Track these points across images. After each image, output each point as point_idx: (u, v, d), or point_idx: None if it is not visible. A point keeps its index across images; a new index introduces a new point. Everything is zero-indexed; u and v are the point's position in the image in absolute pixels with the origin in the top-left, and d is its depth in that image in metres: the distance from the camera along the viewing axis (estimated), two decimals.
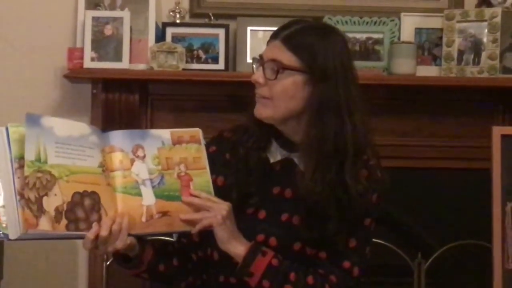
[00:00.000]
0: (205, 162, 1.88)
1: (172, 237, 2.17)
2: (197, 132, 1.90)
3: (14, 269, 3.15)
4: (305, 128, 1.91)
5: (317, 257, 1.94)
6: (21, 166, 1.65)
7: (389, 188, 1.99)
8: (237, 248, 1.87)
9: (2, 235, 1.66)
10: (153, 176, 1.82)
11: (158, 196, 1.81)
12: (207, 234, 1.87)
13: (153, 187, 1.81)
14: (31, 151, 1.66)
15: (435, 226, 3.23)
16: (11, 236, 1.65)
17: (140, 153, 1.82)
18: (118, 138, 1.83)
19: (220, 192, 1.88)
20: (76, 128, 1.78)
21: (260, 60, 1.94)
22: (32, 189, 1.64)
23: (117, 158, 1.80)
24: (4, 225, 1.66)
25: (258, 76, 1.93)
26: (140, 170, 1.81)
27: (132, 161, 1.81)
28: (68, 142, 1.73)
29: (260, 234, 1.93)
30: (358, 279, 1.95)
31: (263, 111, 1.93)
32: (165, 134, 1.87)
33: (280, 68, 1.89)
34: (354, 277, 1.94)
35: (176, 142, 1.87)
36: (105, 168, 1.78)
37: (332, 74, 1.89)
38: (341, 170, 1.88)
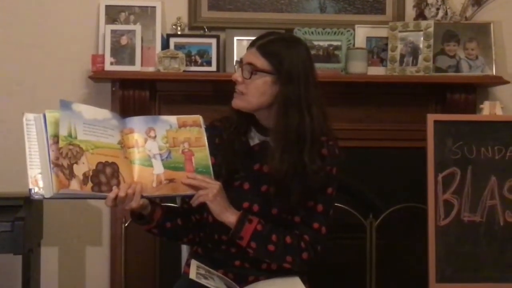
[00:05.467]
0: (204, 141, 1.87)
1: (176, 203, 2.17)
2: (198, 118, 1.90)
3: (51, 230, 3.16)
4: (274, 118, 1.92)
5: (292, 220, 1.96)
6: (55, 143, 1.67)
7: (345, 162, 2.00)
8: (229, 217, 1.88)
9: (40, 195, 1.68)
10: (162, 151, 1.82)
11: (166, 167, 1.81)
12: (203, 203, 1.88)
13: (162, 160, 1.81)
14: (64, 128, 1.68)
15: (383, 193, 3.24)
16: (46, 195, 1.67)
17: (152, 134, 1.83)
18: (135, 122, 1.84)
19: (213, 169, 1.88)
20: (100, 113, 1.79)
21: (240, 63, 1.95)
22: (65, 158, 1.66)
23: (133, 137, 1.81)
24: (41, 187, 1.67)
25: (237, 75, 1.93)
26: (152, 147, 1.82)
27: (146, 140, 1.82)
28: (94, 123, 1.75)
29: (245, 202, 1.94)
30: (325, 236, 1.96)
31: (238, 103, 1.95)
32: (172, 119, 1.87)
33: (254, 70, 1.90)
34: (322, 235, 1.95)
35: (181, 125, 1.87)
36: (123, 145, 1.79)
37: (295, 76, 1.89)
38: (301, 152, 1.89)
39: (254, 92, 1.91)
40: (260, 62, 1.90)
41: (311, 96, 1.91)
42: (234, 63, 2.00)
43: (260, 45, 1.92)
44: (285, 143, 1.88)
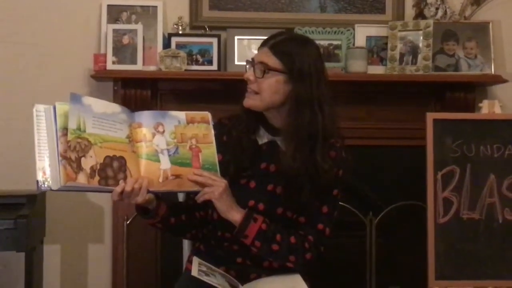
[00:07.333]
0: (212, 138, 1.88)
1: (179, 199, 2.18)
2: (207, 114, 1.90)
3: (54, 228, 3.17)
4: (285, 117, 1.93)
5: (297, 221, 1.97)
6: (64, 135, 1.67)
7: (352, 164, 2.01)
8: (234, 216, 1.88)
9: (47, 186, 1.68)
10: (170, 147, 1.82)
11: (173, 162, 1.82)
12: (209, 200, 1.88)
13: (169, 155, 1.82)
14: (73, 121, 1.68)
15: (383, 191, 3.25)
16: (53, 187, 1.67)
17: (160, 129, 1.83)
18: (144, 116, 1.84)
19: (220, 166, 1.88)
20: (110, 107, 1.79)
21: (251, 62, 1.96)
22: (73, 151, 1.66)
23: (142, 132, 1.81)
24: (48, 179, 1.67)
25: (249, 74, 1.94)
26: (160, 142, 1.82)
27: (154, 135, 1.82)
28: (103, 117, 1.74)
29: (251, 200, 1.95)
30: (329, 237, 1.97)
31: (251, 102, 1.95)
32: (181, 115, 1.87)
33: (266, 69, 1.91)
34: (326, 236, 1.97)
35: (190, 121, 1.87)
36: (132, 139, 1.79)
37: (307, 75, 1.90)
38: (313, 151, 1.90)
39: (267, 91, 1.92)
40: (272, 61, 1.92)
41: (323, 95, 1.92)
42: (245, 63, 1.99)
43: (272, 45, 1.93)
44: (297, 141, 1.90)
